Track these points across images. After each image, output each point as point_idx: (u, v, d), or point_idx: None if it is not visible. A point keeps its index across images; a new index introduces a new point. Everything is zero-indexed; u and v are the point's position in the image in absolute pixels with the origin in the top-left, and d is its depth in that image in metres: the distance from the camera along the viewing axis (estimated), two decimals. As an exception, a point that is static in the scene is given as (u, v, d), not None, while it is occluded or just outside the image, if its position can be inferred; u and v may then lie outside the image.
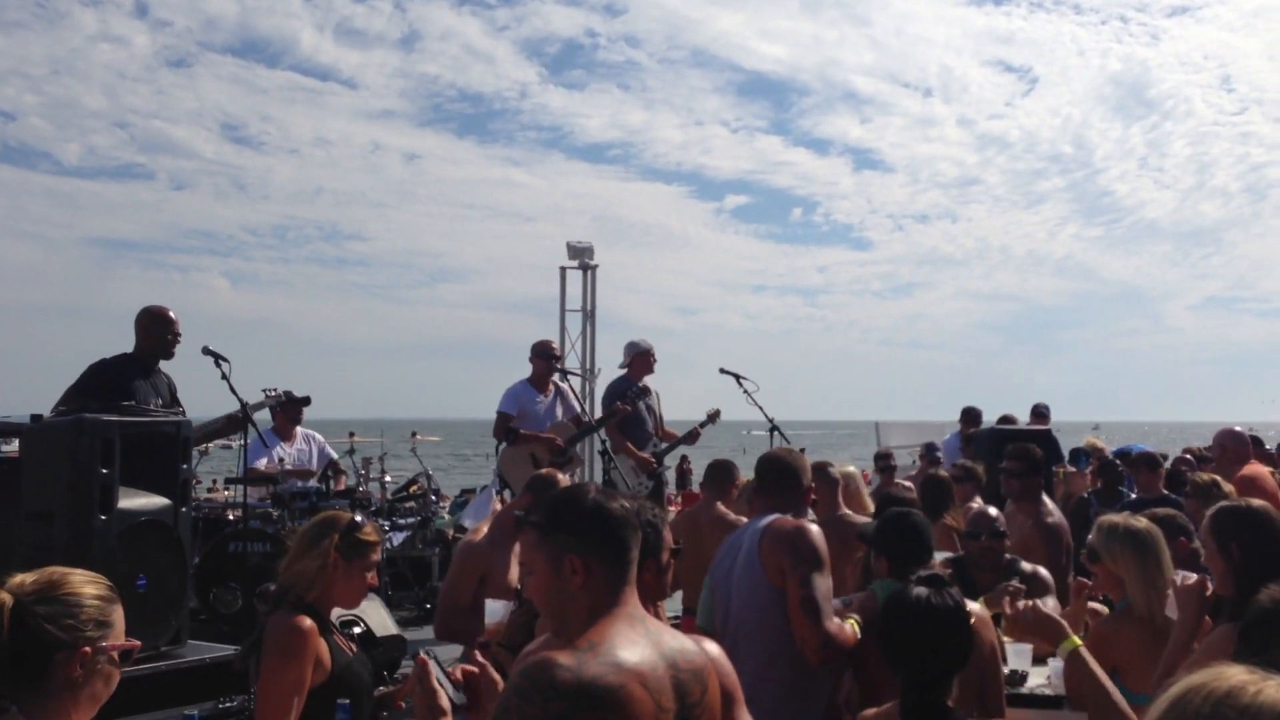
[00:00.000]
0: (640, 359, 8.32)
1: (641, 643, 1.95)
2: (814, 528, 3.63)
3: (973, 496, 6.24)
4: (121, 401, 5.16)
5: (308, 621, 3.11)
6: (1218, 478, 5.59)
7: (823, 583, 3.48)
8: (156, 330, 6.02)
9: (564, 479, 4.68)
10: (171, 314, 6.11)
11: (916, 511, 3.93)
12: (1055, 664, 3.83)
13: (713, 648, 2.59)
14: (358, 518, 3.44)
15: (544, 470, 4.84)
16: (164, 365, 6.13)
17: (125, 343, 5.97)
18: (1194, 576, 3.26)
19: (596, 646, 1.88)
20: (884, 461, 8.86)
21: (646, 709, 1.84)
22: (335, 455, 8.92)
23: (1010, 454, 5.62)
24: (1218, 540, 3.16)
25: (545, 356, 8.00)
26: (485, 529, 4.66)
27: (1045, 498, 5.67)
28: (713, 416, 8.58)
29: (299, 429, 8.59)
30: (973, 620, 3.15)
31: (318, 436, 8.77)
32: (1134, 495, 7.50)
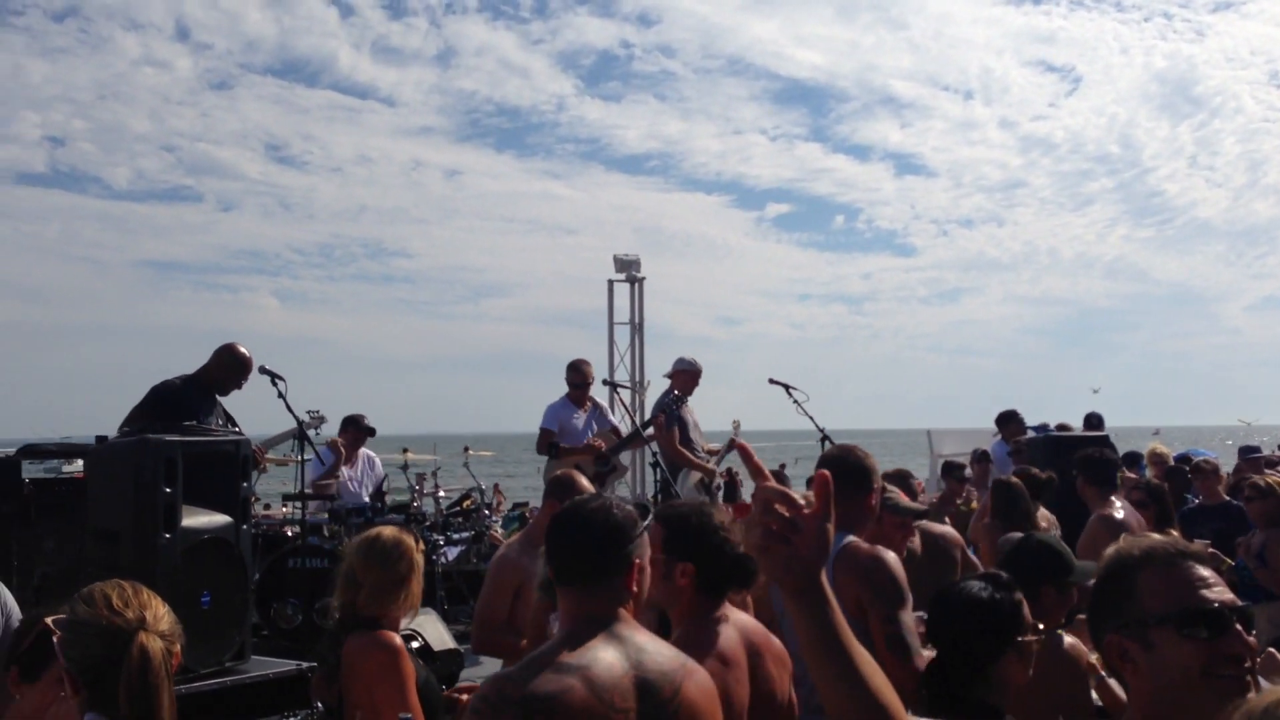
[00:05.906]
0: (686, 376, 8.35)
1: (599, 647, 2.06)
2: (890, 555, 3.40)
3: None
4: (184, 421, 5.26)
5: (398, 639, 3.10)
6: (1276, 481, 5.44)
7: (908, 616, 3.24)
8: (235, 372, 6.18)
9: (583, 481, 4.59)
10: (251, 363, 6.26)
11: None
12: None
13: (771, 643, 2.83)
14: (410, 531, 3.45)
15: (561, 471, 4.76)
16: None
17: (178, 362, 6.12)
18: None
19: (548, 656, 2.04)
20: (959, 472, 8.71)
21: (592, 708, 1.96)
22: (383, 474, 9.14)
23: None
24: None
25: (576, 373, 8.27)
26: (517, 540, 4.59)
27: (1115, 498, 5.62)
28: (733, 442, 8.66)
29: (361, 451, 8.78)
30: (1066, 646, 3.11)
31: (375, 460, 8.98)
32: (1197, 502, 7.39)
